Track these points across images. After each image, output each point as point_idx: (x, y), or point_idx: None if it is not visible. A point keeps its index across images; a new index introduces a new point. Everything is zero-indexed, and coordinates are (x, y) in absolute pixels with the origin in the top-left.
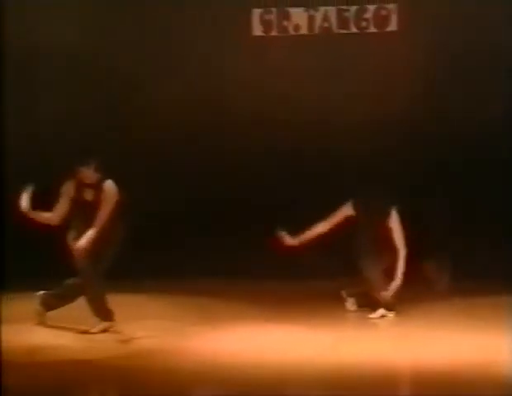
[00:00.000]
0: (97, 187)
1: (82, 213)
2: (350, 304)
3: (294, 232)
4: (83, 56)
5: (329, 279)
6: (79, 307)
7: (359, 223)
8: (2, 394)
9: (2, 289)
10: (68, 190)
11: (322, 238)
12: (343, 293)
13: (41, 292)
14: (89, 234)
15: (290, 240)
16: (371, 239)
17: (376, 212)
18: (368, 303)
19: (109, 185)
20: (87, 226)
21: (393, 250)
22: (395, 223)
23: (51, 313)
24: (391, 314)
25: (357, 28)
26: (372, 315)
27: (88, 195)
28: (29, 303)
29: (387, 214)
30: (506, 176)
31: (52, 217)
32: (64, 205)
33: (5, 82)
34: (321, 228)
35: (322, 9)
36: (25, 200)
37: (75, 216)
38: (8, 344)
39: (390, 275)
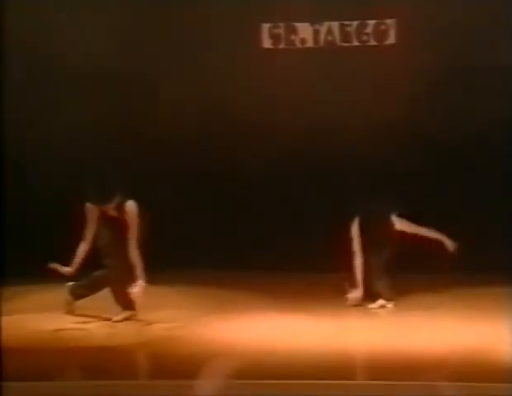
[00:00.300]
0: (120, 208)
1: (108, 225)
2: (351, 294)
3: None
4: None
5: (333, 272)
6: (104, 297)
7: (362, 229)
8: (21, 377)
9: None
10: (92, 212)
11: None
12: (347, 284)
13: (70, 283)
14: (141, 284)
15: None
16: (371, 239)
17: (378, 219)
18: (369, 294)
19: (131, 206)
20: (113, 237)
21: (391, 247)
22: (398, 225)
23: (79, 303)
24: (390, 304)
25: (359, 41)
26: (373, 305)
27: (112, 212)
28: (58, 293)
29: (389, 220)
30: (506, 172)
31: (86, 246)
32: (92, 228)
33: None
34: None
35: (326, 24)
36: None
37: (100, 227)
38: (38, 330)
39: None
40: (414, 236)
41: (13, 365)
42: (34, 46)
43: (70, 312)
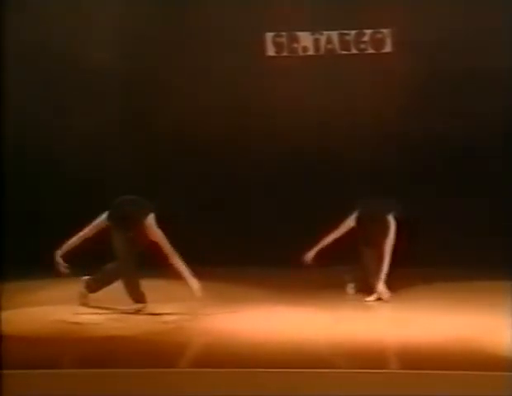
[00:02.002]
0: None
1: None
2: (350, 288)
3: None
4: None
5: (331, 267)
6: (116, 290)
7: (360, 228)
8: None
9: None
10: (101, 225)
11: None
12: (346, 278)
13: (86, 277)
14: (195, 283)
15: (308, 258)
16: (369, 235)
17: (375, 218)
18: (365, 288)
19: (151, 221)
20: (126, 235)
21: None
22: (390, 225)
23: (93, 295)
24: (386, 297)
25: (357, 49)
26: (369, 298)
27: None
28: (74, 286)
29: (384, 218)
30: (506, 169)
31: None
32: (90, 233)
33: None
34: (329, 239)
35: (326, 33)
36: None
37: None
38: (54, 321)
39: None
40: None
41: (29, 355)
42: (43, 46)
43: (84, 304)
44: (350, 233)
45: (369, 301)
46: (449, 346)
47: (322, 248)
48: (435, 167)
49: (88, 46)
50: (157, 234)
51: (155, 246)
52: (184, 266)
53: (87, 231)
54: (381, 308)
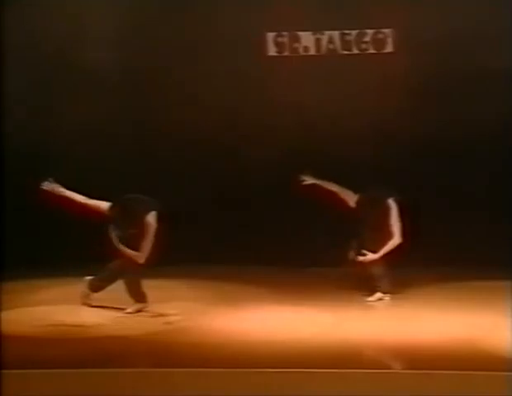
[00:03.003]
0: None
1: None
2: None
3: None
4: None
5: (332, 266)
6: (118, 290)
7: (359, 215)
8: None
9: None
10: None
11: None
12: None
13: (89, 277)
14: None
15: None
16: (369, 229)
17: (375, 203)
18: (367, 287)
19: (152, 218)
20: (128, 231)
21: (389, 238)
22: (393, 212)
23: (95, 295)
24: (387, 297)
25: (359, 49)
26: (370, 298)
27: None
28: (76, 286)
29: (385, 205)
30: (506, 167)
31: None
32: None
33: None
34: (330, 186)
35: (327, 33)
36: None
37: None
38: (54, 321)
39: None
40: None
41: (29, 355)
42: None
43: (87, 304)
44: (345, 206)
45: (371, 301)
46: (449, 346)
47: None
48: (435, 167)
49: (88, 46)
50: (150, 231)
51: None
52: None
53: (88, 201)
54: (382, 308)
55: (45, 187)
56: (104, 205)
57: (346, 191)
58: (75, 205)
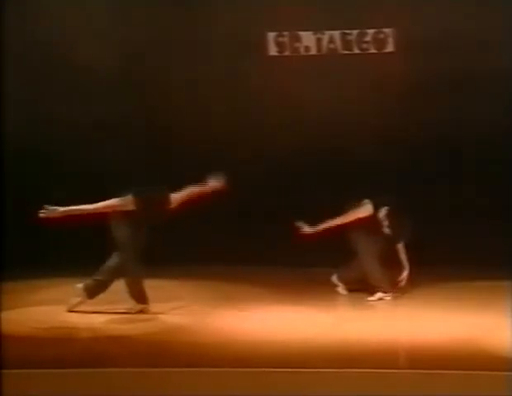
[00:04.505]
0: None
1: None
2: (341, 289)
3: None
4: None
5: (333, 267)
6: (119, 291)
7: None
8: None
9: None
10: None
11: (335, 230)
12: (334, 279)
13: (87, 280)
14: None
15: (307, 229)
16: (367, 232)
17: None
18: (363, 287)
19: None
20: (130, 230)
21: (386, 240)
22: (389, 216)
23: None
24: (388, 297)
25: (359, 49)
26: (371, 298)
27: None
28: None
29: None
30: (506, 167)
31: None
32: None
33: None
34: (337, 221)
35: (328, 33)
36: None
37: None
38: (54, 321)
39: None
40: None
41: (34, 355)
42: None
43: (81, 307)
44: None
45: (371, 301)
46: (450, 346)
47: (327, 228)
48: (435, 167)
49: (88, 46)
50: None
51: None
52: None
53: (96, 205)
54: (382, 307)
55: (45, 214)
56: (114, 201)
57: (360, 210)
58: (83, 216)
